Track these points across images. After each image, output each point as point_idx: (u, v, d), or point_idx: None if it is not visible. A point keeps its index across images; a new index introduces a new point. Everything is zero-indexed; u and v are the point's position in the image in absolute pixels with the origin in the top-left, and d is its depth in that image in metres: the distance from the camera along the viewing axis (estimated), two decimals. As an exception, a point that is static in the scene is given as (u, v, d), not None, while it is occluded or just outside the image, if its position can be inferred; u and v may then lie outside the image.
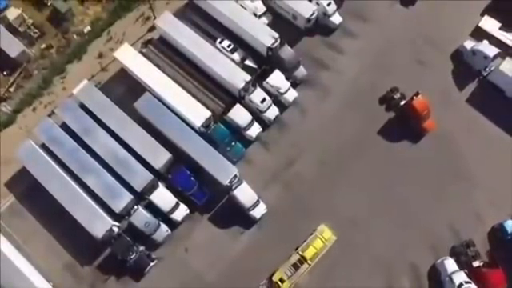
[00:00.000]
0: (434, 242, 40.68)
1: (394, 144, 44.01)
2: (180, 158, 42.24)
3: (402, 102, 44.62)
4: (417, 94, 43.13)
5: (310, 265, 39.60)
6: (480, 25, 47.02)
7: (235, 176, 41.16)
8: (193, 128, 42.65)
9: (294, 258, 39.79)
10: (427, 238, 40.85)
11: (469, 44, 45.87)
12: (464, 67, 46.14)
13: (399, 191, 42.10)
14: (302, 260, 39.56)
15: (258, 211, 41.38)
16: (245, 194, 40.94)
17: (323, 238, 40.27)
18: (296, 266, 39.43)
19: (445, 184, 42.41)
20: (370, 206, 41.70)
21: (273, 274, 39.60)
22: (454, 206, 41.57)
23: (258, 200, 41.22)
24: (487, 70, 45.45)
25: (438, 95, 45.14)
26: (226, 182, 40.83)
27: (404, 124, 44.17)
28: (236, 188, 40.96)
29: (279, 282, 39.19)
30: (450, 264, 38.96)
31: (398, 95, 45.07)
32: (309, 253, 39.65)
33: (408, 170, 42.76)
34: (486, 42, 45.69)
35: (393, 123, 44.62)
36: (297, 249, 40.23)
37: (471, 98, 45.32)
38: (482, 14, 47.67)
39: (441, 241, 40.72)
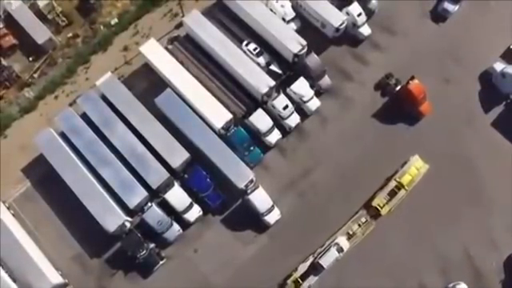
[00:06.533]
0: (445, 265, 40.11)
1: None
2: (196, 157, 41.96)
3: (398, 87, 44.55)
4: (412, 78, 42.84)
5: (406, 190, 40.98)
6: (512, 47, 46.21)
7: (251, 180, 40.85)
8: (212, 129, 42.44)
9: (392, 184, 41.22)
10: (439, 259, 40.33)
11: (499, 66, 44.97)
12: (492, 89, 45.24)
13: (416, 210, 41.38)
14: (400, 186, 41.00)
15: (272, 217, 41.04)
16: (260, 198, 40.63)
17: (416, 166, 41.74)
18: (393, 193, 40.82)
19: (461, 207, 41.61)
20: (384, 223, 41.11)
21: (371, 200, 41.17)
22: (469, 230, 40.90)
23: (272, 205, 40.91)
24: (516, 94, 44.65)
25: (461, 116, 44.49)
26: (241, 186, 40.59)
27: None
28: (252, 192, 40.66)
29: (378, 207, 40.57)
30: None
31: (393, 81, 44.86)
32: (405, 179, 41.19)
33: (426, 191, 41.82)
34: (517, 65, 44.88)
35: (413, 139, 43.88)
36: (389, 178, 41.65)
37: (496, 121, 44.44)
38: (515, 37, 46.84)
39: (453, 264, 40.15)
